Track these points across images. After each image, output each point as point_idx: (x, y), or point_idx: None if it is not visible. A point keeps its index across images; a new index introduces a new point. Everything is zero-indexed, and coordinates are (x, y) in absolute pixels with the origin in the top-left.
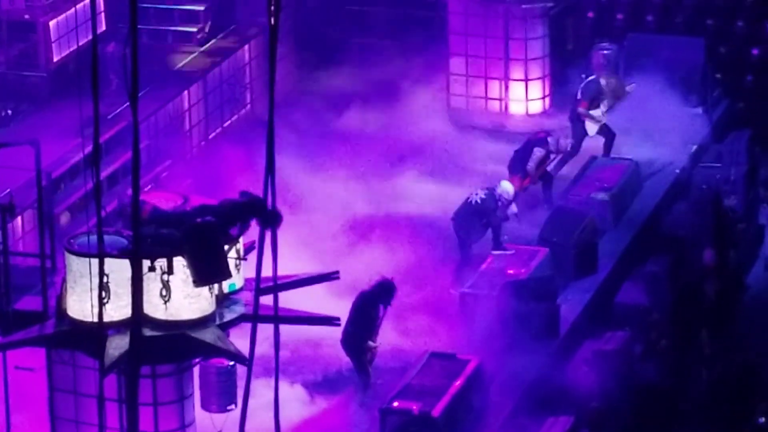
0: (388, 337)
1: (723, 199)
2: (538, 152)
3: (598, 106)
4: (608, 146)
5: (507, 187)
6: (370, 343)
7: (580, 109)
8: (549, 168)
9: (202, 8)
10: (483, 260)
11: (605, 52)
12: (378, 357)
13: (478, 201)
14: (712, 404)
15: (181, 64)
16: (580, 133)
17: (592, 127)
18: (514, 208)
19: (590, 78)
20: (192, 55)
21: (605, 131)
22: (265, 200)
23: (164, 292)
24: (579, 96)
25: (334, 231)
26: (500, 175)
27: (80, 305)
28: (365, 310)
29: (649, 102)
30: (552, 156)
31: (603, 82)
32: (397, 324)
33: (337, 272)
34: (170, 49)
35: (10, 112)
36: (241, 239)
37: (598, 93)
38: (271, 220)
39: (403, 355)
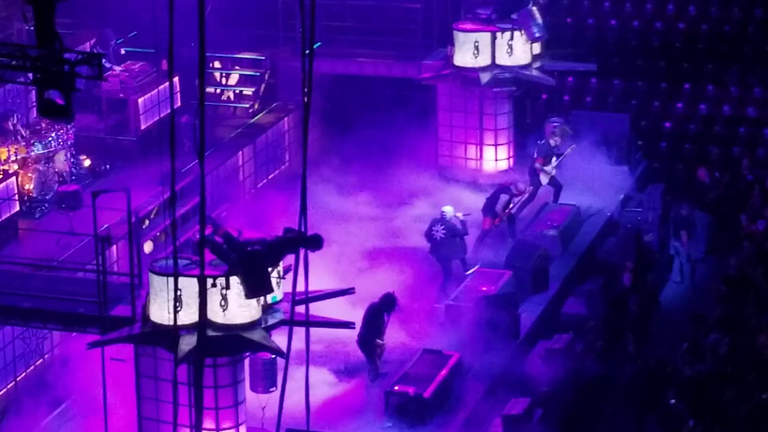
0: (393, 337)
1: (643, 236)
2: (503, 197)
3: (549, 163)
4: (556, 195)
5: (449, 210)
6: (379, 341)
7: (536, 165)
8: (513, 210)
9: (251, 90)
10: (462, 280)
11: (555, 124)
12: (385, 352)
13: (442, 235)
14: (634, 390)
15: (236, 132)
16: (536, 185)
17: (544, 178)
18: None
19: (543, 142)
20: (245, 125)
21: (554, 183)
22: (305, 233)
23: (223, 303)
24: (535, 155)
25: (352, 259)
26: (477, 215)
27: (160, 312)
28: (374, 317)
29: (587, 162)
30: (515, 199)
31: (552, 142)
32: (399, 328)
33: (353, 288)
34: (229, 121)
35: (108, 167)
36: (281, 263)
37: (549, 152)
38: (314, 244)
39: (404, 350)
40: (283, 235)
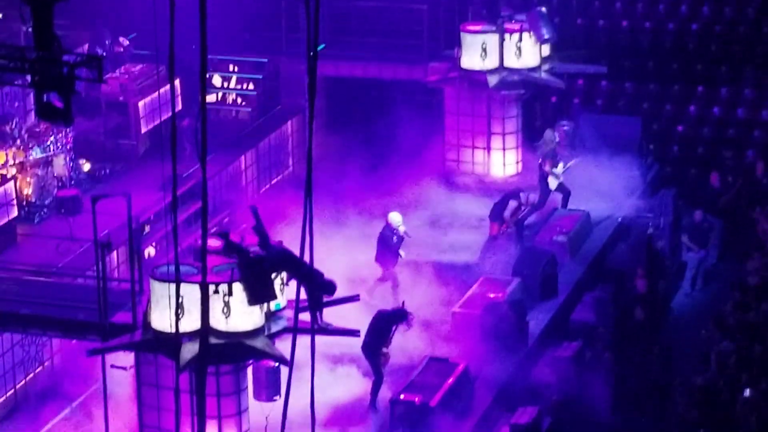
0: (402, 345)
1: (654, 242)
2: (512, 204)
3: (556, 166)
4: (565, 201)
5: (394, 218)
6: (384, 350)
7: (545, 169)
8: (521, 215)
9: (255, 93)
10: (469, 287)
11: (564, 128)
12: (393, 358)
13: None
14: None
15: (239, 135)
16: (545, 191)
17: (553, 182)
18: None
19: (540, 142)
20: (248, 129)
21: (562, 189)
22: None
23: (225, 310)
24: (540, 160)
25: (359, 263)
26: (484, 223)
27: (161, 319)
28: (381, 325)
29: (598, 166)
30: (523, 207)
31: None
32: (407, 336)
33: (358, 296)
34: (231, 124)
35: (107, 171)
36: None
37: (554, 155)
38: (327, 290)
39: (410, 359)
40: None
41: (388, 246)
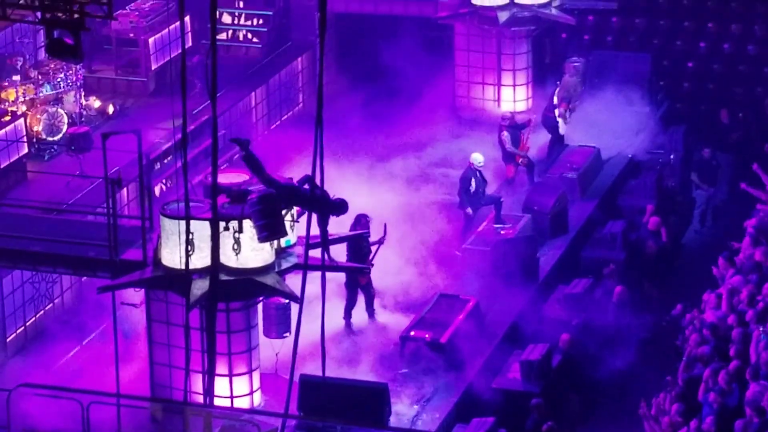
0: (411, 281)
1: (664, 178)
2: (504, 135)
3: (573, 109)
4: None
5: (476, 157)
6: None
7: (560, 109)
8: (529, 146)
9: (265, 29)
10: (479, 223)
11: (575, 64)
12: (403, 295)
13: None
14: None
15: (249, 72)
16: (554, 133)
17: (563, 127)
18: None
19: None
20: (258, 65)
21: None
22: (330, 197)
23: (236, 247)
24: (555, 100)
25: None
26: (498, 163)
27: (171, 256)
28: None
29: (608, 103)
30: (523, 132)
31: (573, 81)
32: (418, 271)
33: (368, 231)
34: (242, 60)
35: (118, 107)
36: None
37: (570, 96)
38: (339, 210)
39: (420, 295)
40: (309, 189)
41: (466, 187)
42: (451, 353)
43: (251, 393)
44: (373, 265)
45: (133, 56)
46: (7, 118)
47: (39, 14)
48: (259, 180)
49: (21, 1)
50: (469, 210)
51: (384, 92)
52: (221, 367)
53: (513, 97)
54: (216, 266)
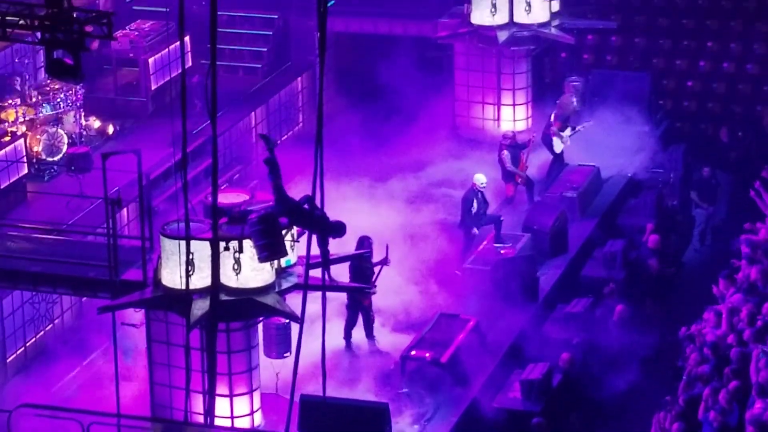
0: (412, 300)
1: (664, 197)
2: (504, 154)
3: (565, 129)
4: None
5: (479, 178)
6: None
7: (553, 128)
8: (528, 165)
9: (265, 49)
10: (480, 243)
11: (575, 83)
12: (403, 314)
13: None
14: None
15: (249, 92)
16: (552, 152)
17: (558, 146)
18: None
19: (559, 102)
20: (257, 85)
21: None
22: (328, 219)
23: (236, 266)
24: (552, 118)
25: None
26: (498, 182)
27: (171, 276)
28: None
29: (608, 122)
30: (523, 152)
31: (573, 101)
32: (418, 290)
33: (370, 251)
34: (241, 81)
35: (118, 128)
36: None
37: (567, 117)
38: (337, 232)
39: (420, 314)
40: (308, 209)
41: (468, 208)
42: (452, 373)
43: (252, 413)
44: (376, 286)
45: (133, 76)
46: (7, 138)
47: (39, 34)
48: (272, 186)
49: (21, 22)
50: (476, 230)
51: (384, 112)
52: (222, 388)
53: (513, 116)
54: (216, 286)
